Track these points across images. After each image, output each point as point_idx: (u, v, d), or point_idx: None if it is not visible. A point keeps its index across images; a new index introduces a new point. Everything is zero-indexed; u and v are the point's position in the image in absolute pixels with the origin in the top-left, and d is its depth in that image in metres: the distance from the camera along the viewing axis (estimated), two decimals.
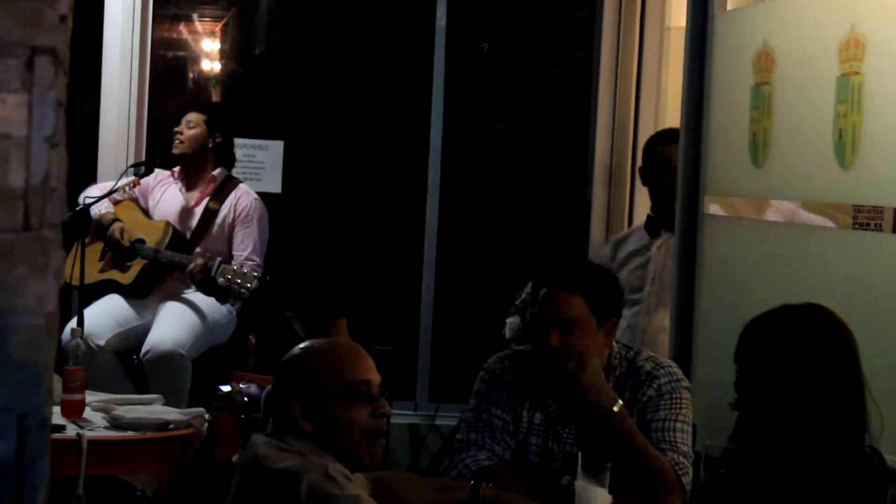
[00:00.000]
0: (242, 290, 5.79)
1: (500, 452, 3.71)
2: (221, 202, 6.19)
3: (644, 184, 5.43)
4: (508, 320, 5.58)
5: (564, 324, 3.63)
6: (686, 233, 4.93)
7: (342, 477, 2.91)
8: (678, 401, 3.68)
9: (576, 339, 3.62)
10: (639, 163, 5.67)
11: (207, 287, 5.87)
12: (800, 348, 2.81)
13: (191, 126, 6.19)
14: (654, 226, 5.28)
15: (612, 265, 5.21)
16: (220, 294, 5.91)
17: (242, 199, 6.20)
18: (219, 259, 5.85)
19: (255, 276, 5.75)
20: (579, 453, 3.43)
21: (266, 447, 3.00)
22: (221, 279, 5.75)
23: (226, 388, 4.37)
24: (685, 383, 3.74)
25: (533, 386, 3.75)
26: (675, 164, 5.03)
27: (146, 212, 6.27)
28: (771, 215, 4.37)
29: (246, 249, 6.09)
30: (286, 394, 3.06)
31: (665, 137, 5.38)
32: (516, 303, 5.51)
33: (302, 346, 3.16)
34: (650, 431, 3.61)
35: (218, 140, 6.23)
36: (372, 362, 3.15)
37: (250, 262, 6.02)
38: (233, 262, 5.97)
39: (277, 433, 3.05)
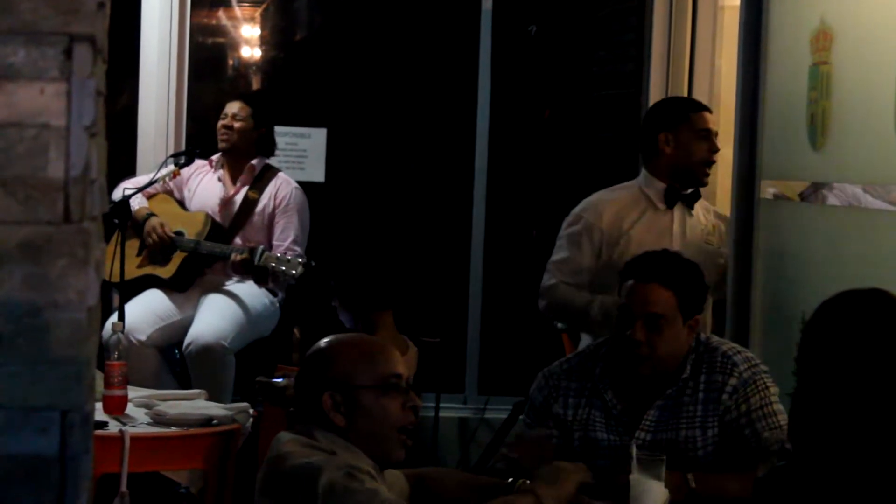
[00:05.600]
0: (287, 277, 5.75)
1: None
2: (261, 191, 6.16)
3: (668, 151, 5.10)
4: None
5: (652, 319, 3.66)
6: (742, 218, 4.89)
7: (365, 474, 2.90)
8: (763, 382, 3.70)
9: (661, 336, 3.66)
10: None
11: (249, 271, 5.84)
12: (865, 334, 2.69)
13: (238, 119, 6.14)
14: (674, 196, 5.06)
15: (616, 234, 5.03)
16: (260, 276, 5.84)
17: (282, 188, 6.16)
18: (261, 247, 5.79)
19: (300, 263, 5.70)
20: (634, 446, 3.43)
21: (292, 443, 3.00)
22: (266, 266, 5.70)
23: (278, 381, 4.36)
24: (763, 366, 3.76)
25: (606, 371, 3.79)
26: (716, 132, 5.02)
27: (182, 203, 6.25)
28: (831, 199, 4.32)
29: (287, 239, 6.06)
30: (314, 386, 3.05)
31: (692, 105, 5.22)
32: None
33: (327, 339, 3.15)
34: (750, 420, 3.66)
35: (263, 132, 6.18)
36: (400, 356, 3.17)
37: (291, 252, 5.95)
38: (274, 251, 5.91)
39: (305, 428, 3.05)
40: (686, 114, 5.06)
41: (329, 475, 2.84)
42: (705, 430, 3.67)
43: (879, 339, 2.67)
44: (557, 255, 4.96)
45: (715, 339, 3.84)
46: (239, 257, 5.77)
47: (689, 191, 5.00)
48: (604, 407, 3.74)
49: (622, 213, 4.97)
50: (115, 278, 5.59)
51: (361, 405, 3.02)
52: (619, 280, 3.80)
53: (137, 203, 6.06)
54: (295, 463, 2.92)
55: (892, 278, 3.68)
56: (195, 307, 5.97)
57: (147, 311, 5.93)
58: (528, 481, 3.31)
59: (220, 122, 6.15)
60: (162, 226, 6.00)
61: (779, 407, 3.64)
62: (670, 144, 4.98)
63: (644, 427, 3.68)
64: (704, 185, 5.07)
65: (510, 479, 3.33)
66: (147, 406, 4.63)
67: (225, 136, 6.12)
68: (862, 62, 4.16)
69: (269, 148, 6.26)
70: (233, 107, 6.15)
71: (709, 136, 4.98)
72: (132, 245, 6.02)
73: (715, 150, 4.98)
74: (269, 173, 6.20)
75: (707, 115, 5.04)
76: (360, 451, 2.99)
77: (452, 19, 7.34)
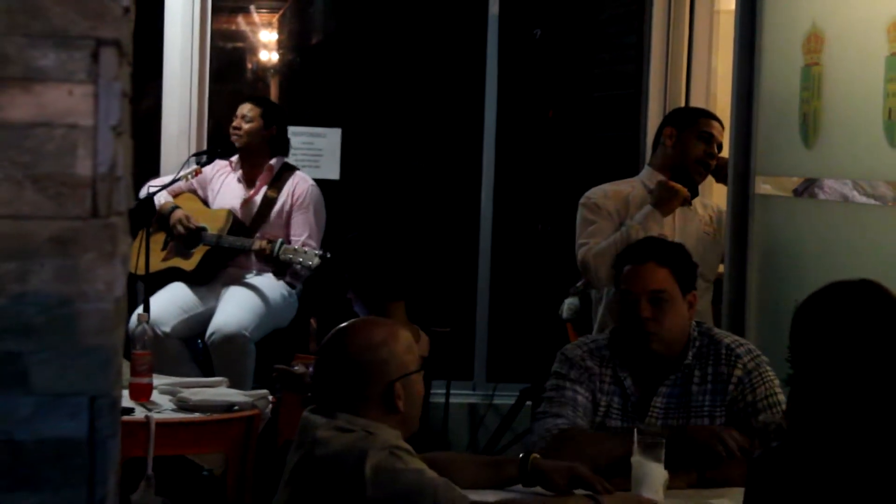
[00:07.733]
0: (304, 269, 5.83)
1: (583, 425, 3.73)
2: (279, 190, 6.21)
3: (668, 144, 5.14)
4: (567, 301, 5.55)
5: (655, 295, 3.70)
6: (737, 213, 4.92)
7: (405, 452, 2.94)
8: (767, 373, 3.75)
9: (666, 311, 3.70)
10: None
11: (269, 262, 5.94)
12: (854, 323, 2.68)
13: (247, 119, 6.21)
14: None
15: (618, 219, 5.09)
16: (279, 268, 5.99)
17: (299, 185, 6.23)
18: (280, 240, 5.89)
19: (316, 254, 5.78)
20: (635, 429, 3.44)
21: (327, 428, 2.98)
22: (283, 258, 5.81)
23: (296, 369, 4.44)
24: (764, 357, 3.79)
25: (620, 360, 3.80)
26: (719, 142, 5.07)
27: (205, 202, 6.33)
28: (822, 194, 4.36)
29: (302, 235, 6.14)
30: (377, 377, 3.03)
31: (705, 113, 5.34)
32: (577, 285, 5.51)
33: (371, 329, 3.11)
34: (756, 410, 3.69)
35: (273, 133, 6.27)
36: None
37: (307, 247, 6.04)
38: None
39: (337, 414, 3.01)
40: (696, 118, 5.14)
41: (374, 457, 2.87)
42: (713, 419, 3.71)
43: (868, 328, 2.67)
44: (584, 230, 5.02)
45: (717, 330, 3.87)
46: (262, 244, 5.88)
47: None
48: (622, 394, 3.76)
49: (625, 202, 5.05)
50: (141, 271, 5.64)
51: (411, 389, 3.06)
52: (615, 273, 3.83)
53: (164, 198, 6.14)
54: (337, 448, 2.92)
55: (879, 269, 3.76)
56: (217, 299, 6.05)
57: (171, 303, 6.01)
58: (539, 455, 3.34)
59: (231, 123, 6.25)
60: (187, 217, 6.08)
61: (782, 397, 3.68)
62: (672, 139, 5.08)
63: (654, 414, 3.72)
64: (698, 182, 5.11)
65: (521, 455, 3.36)
66: (171, 393, 4.66)
67: (234, 137, 6.21)
68: (851, 63, 4.22)
69: (283, 147, 6.33)
70: (243, 108, 6.23)
71: (709, 140, 5.05)
72: (157, 239, 6.11)
73: (710, 153, 5.04)
74: (287, 172, 6.27)
75: (716, 124, 5.11)
76: (395, 432, 3.00)
77: (461, 24, 7.37)
